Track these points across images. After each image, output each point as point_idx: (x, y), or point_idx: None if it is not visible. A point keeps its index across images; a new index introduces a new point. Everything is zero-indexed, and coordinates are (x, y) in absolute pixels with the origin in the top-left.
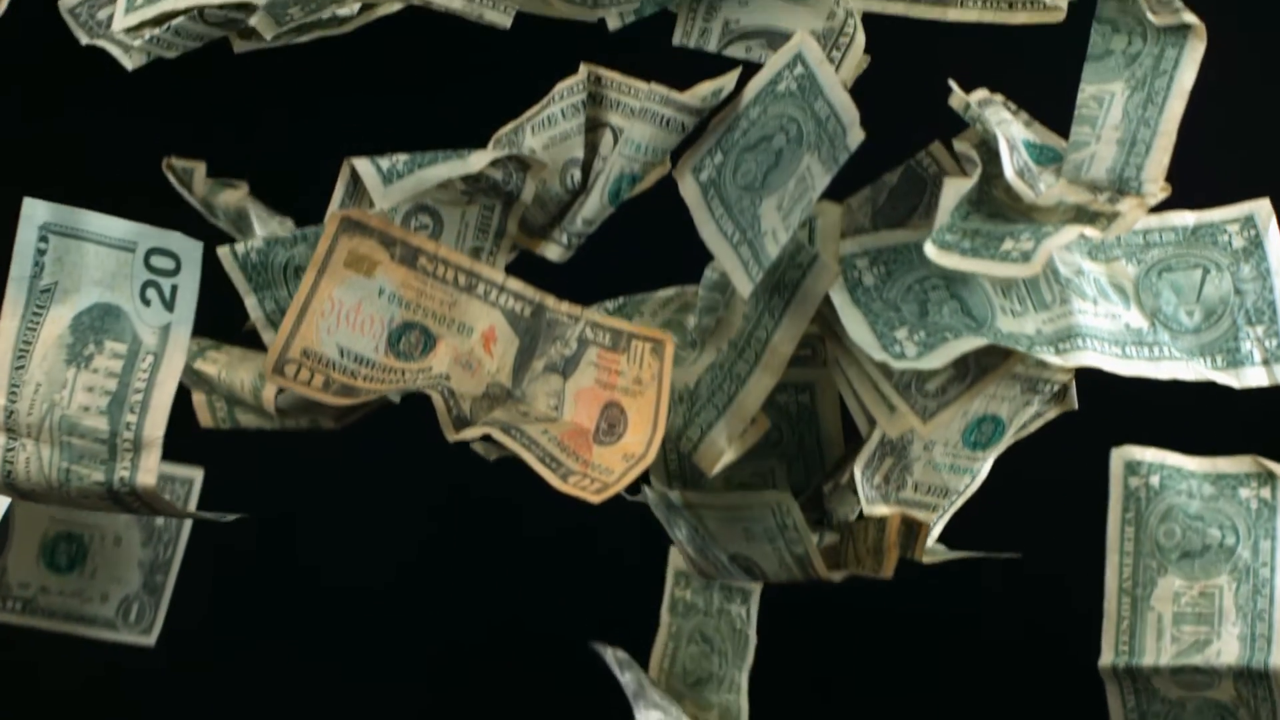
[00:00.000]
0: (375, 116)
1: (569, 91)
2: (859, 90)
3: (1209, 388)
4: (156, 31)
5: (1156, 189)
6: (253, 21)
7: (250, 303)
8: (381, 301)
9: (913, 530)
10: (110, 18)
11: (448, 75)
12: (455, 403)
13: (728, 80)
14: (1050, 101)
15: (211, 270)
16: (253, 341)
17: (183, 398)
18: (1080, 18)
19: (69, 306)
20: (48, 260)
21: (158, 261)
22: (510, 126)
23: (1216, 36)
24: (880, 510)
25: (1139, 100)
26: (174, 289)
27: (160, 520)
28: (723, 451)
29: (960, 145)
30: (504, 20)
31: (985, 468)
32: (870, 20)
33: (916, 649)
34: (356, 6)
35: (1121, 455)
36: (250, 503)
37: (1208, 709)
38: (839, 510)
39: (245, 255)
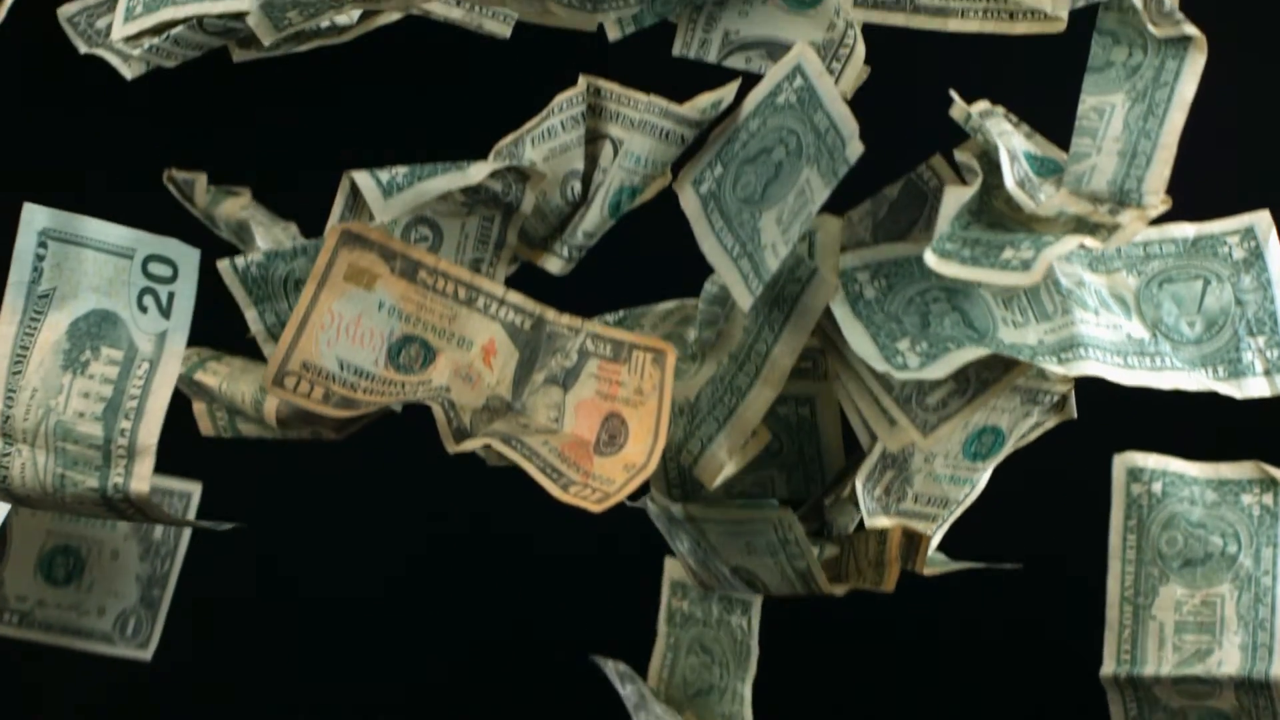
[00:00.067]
0: (374, 126)
1: (568, 103)
2: (859, 101)
3: (1210, 393)
4: (155, 40)
5: (1157, 201)
6: (250, 23)
7: (250, 316)
8: (381, 315)
9: (913, 542)
10: (109, 26)
11: (447, 85)
12: (455, 414)
13: (727, 92)
14: (1051, 112)
15: (213, 279)
16: (255, 351)
17: (183, 409)
18: (1081, 28)
19: (67, 312)
20: (46, 266)
21: (155, 269)
22: (510, 138)
23: (1217, 48)
24: (881, 522)
25: (1140, 112)
26: (171, 296)
27: (158, 534)
28: (723, 464)
29: (961, 155)
30: (503, 30)
31: (984, 477)
32: (870, 31)
33: (918, 658)
34: (356, 15)
35: (1124, 462)
36: (248, 516)
37: (1209, 718)
38: (839, 521)
39: (245, 268)
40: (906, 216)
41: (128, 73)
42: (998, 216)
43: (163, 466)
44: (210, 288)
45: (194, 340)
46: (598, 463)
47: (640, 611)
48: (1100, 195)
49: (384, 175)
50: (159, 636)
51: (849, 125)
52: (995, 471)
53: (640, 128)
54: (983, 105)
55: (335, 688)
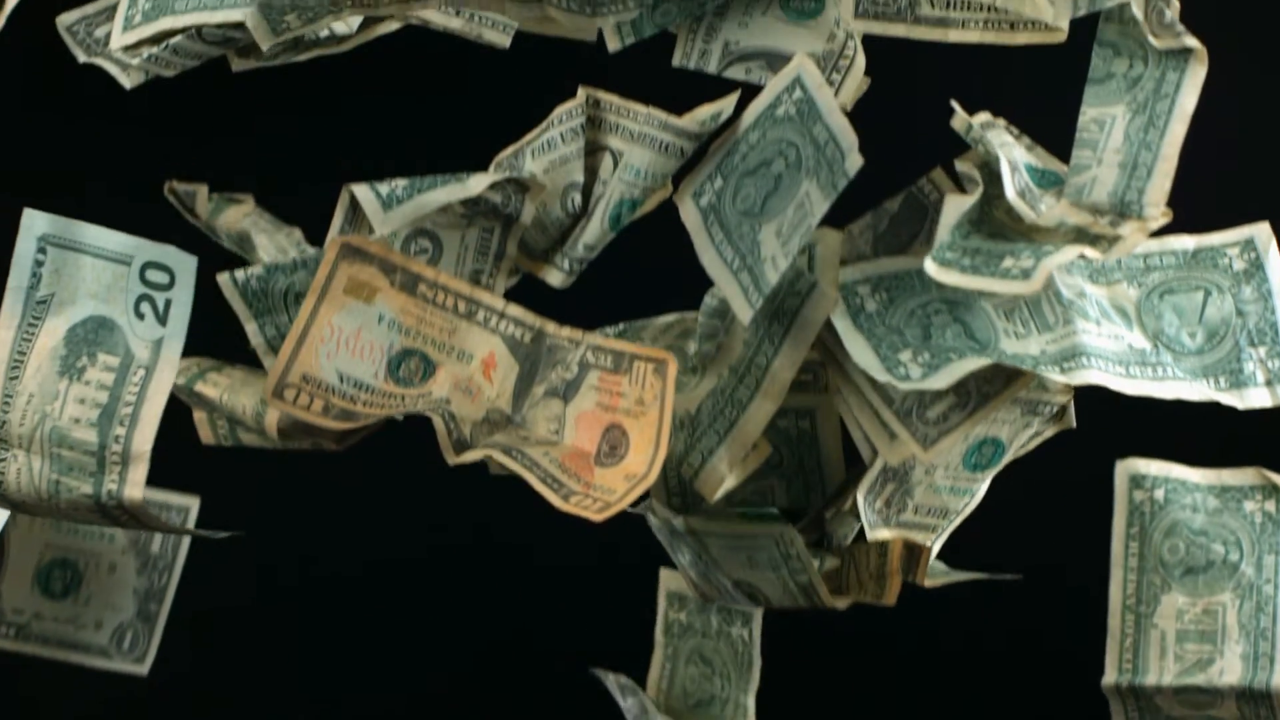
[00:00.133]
0: (373, 136)
1: (568, 115)
2: (859, 113)
3: (1212, 402)
4: (154, 50)
5: (1158, 213)
6: (248, 24)
7: (251, 329)
8: (381, 328)
9: (914, 554)
10: (108, 35)
11: (446, 95)
12: (455, 426)
13: (727, 103)
14: (1051, 123)
15: (215, 289)
16: (256, 360)
17: (183, 418)
18: (1082, 39)
19: (64, 318)
20: (45, 271)
21: (153, 276)
22: (510, 150)
23: (1218, 60)
24: (882, 534)
25: (1140, 124)
26: (168, 303)
27: (156, 548)
28: (724, 477)
29: (962, 166)
30: (503, 40)
31: (983, 487)
32: (871, 42)
33: (920, 667)
34: (355, 24)
35: (1126, 468)
36: (248, 526)
37: None
38: (838, 532)
39: (245, 282)
40: (907, 230)
41: (126, 82)
42: (998, 227)
43: (163, 475)
44: (212, 298)
45: (197, 350)
46: (598, 473)
47: (641, 622)
48: (1101, 207)
49: (383, 188)
50: (156, 651)
51: (848, 138)
52: (996, 480)
53: (640, 140)
54: (984, 117)
55: (335, 699)
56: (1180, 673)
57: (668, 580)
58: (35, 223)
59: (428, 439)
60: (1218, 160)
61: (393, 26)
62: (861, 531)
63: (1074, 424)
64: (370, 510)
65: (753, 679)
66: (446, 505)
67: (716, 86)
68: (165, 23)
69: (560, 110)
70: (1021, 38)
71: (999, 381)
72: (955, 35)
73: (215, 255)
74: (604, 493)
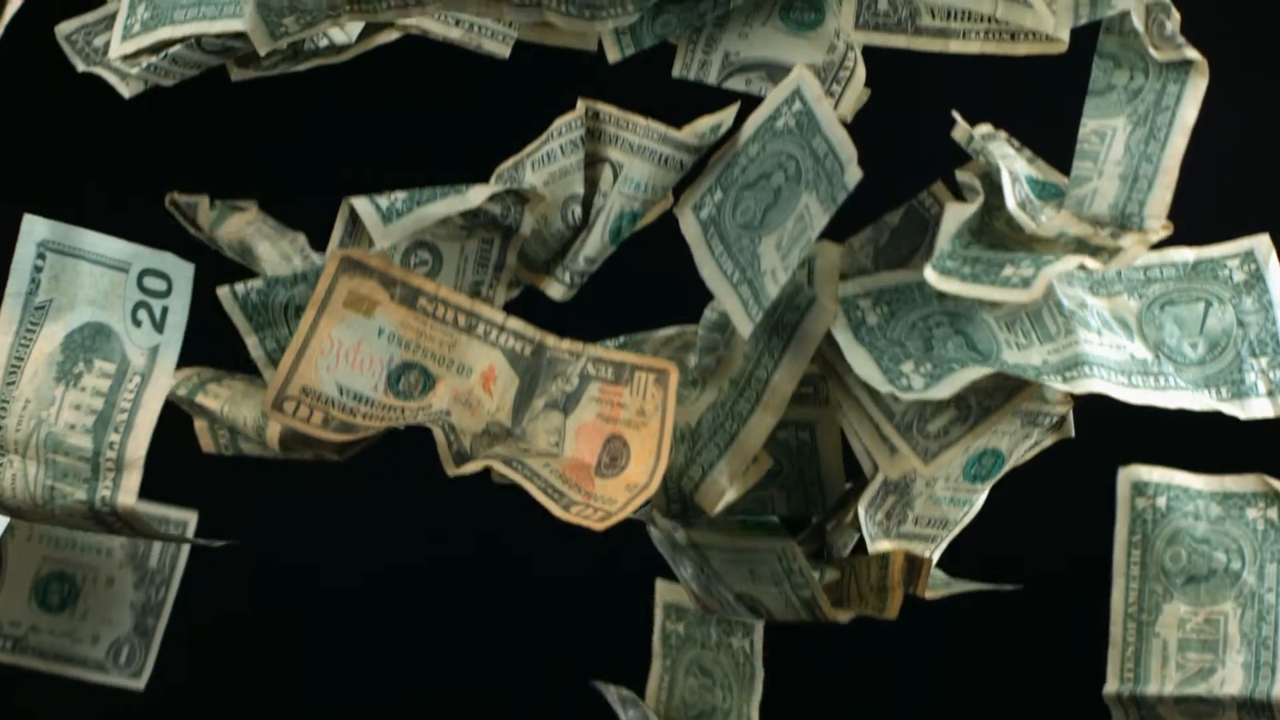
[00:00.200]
0: (373, 146)
1: (567, 128)
2: (860, 124)
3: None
4: (153, 59)
5: (1159, 225)
6: (246, 27)
7: (251, 342)
8: (381, 341)
9: (915, 566)
10: (107, 44)
11: (446, 105)
12: (456, 437)
13: (726, 115)
14: (1052, 135)
15: (216, 298)
16: (257, 370)
17: (184, 426)
18: (1082, 51)
19: (62, 324)
20: (44, 277)
21: (150, 283)
22: (510, 162)
23: (1219, 72)
24: (883, 546)
25: (1141, 136)
26: (164, 310)
27: (153, 562)
28: (724, 490)
29: (963, 176)
30: (502, 50)
31: (982, 497)
32: (871, 53)
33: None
34: (354, 34)
35: (1128, 476)
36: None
37: None
38: (838, 543)
39: (245, 295)
40: (908, 243)
41: (125, 91)
42: (999, 237)
43: (162, 485)
44: (211, 308)
45: (197, 360)
46: (599, 484)
47: (642, 632)
48: (1101, 219)
49: (383, 201)
50: (152, 665)
51: (847, 150)
52: (996, 490)
53: (639, 153)
54: (985, 129)
55: (335, 711)
56: (1182, 682)
57: (664, 592)
58: (35, 228)
59: (428, 450)
60: (1218, 172)
61: (392, 36)
62: (861, 541)
63: (1073, 434)
64: (371, 521)
65: (755, 690)
66: (447, 516)
67: (716, 98)
68: (164, 32)
69: (560, 122)
70: (1022, 48)
71: (1000, 396)
72: (956, 46)
73: (214, 265)
74: (605, 502)
